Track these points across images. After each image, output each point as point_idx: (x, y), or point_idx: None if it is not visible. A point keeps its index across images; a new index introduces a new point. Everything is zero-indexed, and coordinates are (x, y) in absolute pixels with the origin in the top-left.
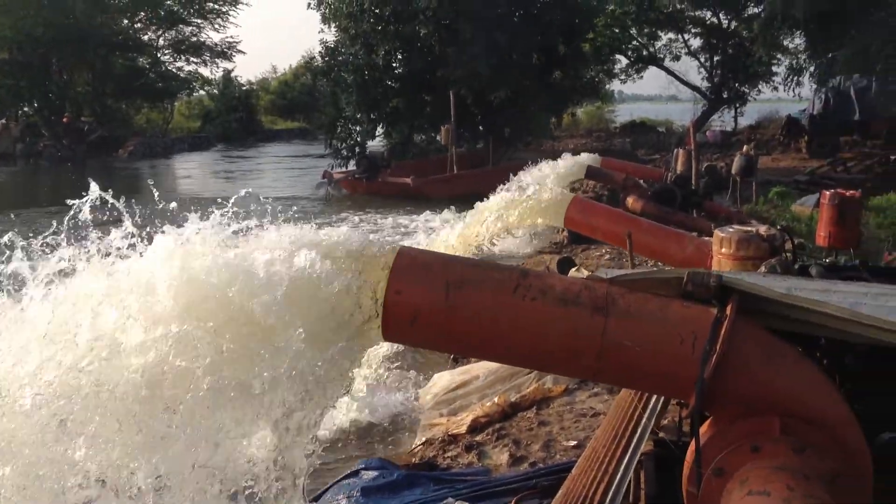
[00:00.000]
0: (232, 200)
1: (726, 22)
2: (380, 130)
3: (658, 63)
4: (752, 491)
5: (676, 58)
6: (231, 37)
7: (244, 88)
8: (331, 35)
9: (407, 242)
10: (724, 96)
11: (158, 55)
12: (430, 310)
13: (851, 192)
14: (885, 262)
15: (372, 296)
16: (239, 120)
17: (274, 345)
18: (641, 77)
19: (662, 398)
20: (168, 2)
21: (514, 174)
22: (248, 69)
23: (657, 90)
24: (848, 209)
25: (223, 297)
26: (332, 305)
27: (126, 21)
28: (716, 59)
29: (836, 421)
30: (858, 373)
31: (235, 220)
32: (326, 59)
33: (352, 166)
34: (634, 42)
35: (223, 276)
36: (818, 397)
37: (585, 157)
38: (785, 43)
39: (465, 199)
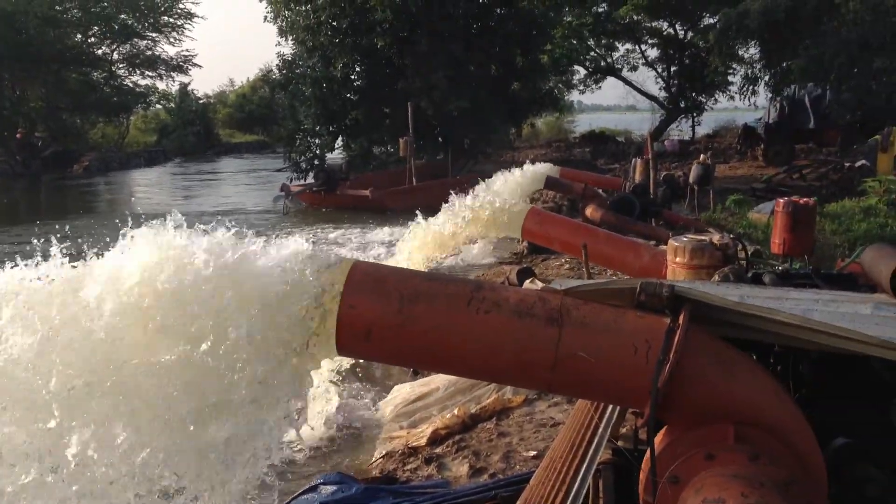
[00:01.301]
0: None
1: (682, 32)
2: (339, 143)
3: (616, 73)
4: (707, 499)
5: (634, 68)
6: (187, 50)
7: (201, 102)
8: (288, 48)
9: (365, 256)
10: (682, 106)
11: (113, 69)
12: (384, 324)
13: (805, 199)
14: (837, 269)
15: (326, 310)
16: (196, 133)
17: (223, 360)
18: (600, 87)
19: (619, 408)
20: (122, 16)
21: (474, 185)
22: (205, 83)
23: (616, 100)
24: (802, 216)
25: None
26: (285, 320)
27: (79, 36)
28: (673, 69)
29: (790, 428)
30: (812, 379)
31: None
32: (284, 71)
33: (311, 179)
34: (592, 53)
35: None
36: (771, 405)
37: (544, 168)
38: (740, 53)
39: (425, 211)
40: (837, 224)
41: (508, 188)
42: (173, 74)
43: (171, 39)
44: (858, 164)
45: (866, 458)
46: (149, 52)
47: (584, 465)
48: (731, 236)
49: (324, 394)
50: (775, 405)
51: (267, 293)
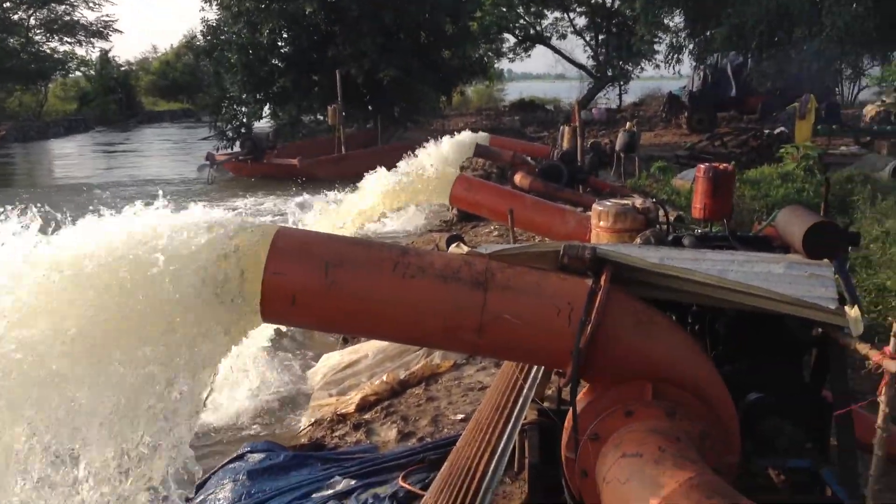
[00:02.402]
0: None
1: (610, 1)
2: (267, 111)
3: (545, 42)
4: (626, 453)
5: (563, 36)
6: (107, 15)
7: (123, 69)
8: (213, 13)
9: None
10: (609, 74)
11: (30, 35)
12: (310, 290)
13: (724, 165)
14: (754, 232)
15: (250, 277)
16: (118, 101)
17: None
18: (529, 56)
19: (543, 369)
20: None
21: (404, 153)
22: (126, 49)
23: (545, 69)
24: (721, 182)
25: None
26: (208, 287)
27: None
28: (600, 37)
29: (705, 384)
30: (727, 337)
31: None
32: (209, 38)
33: (238, 148)
34: (521, 21)
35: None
36: (688, 362)
37: (474, 136)
38: (666, 21)
39: (354, 180)
40: (757, 189)
41: (438, 156)
42: (93, 40)
43: (91, 4)
44: (777, 131)
45: (778, 413)
46: (67, 18)
47: (510, 426)
48: (653, 201)
49: (251, 363)
50: (692, 363)
51: (187, 263)
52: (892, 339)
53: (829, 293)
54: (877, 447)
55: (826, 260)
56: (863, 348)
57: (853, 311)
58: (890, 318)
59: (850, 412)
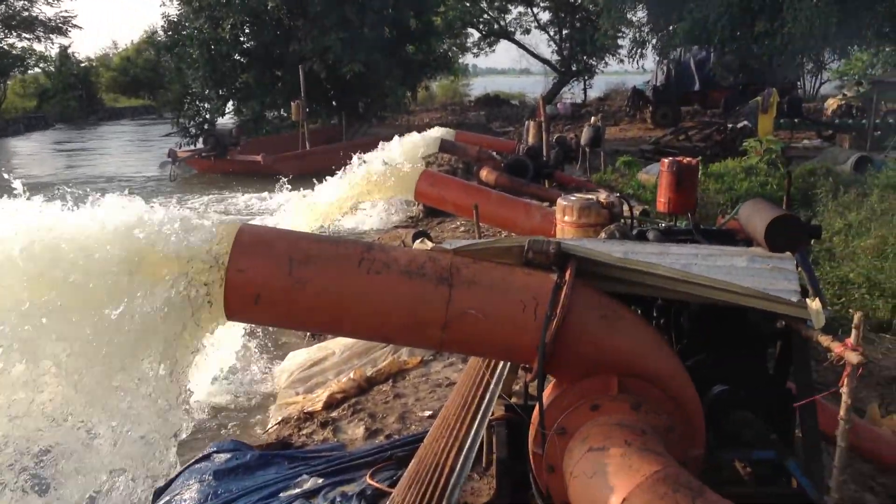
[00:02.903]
0: None
1: None
2: (230, 107)
3: (509, 37)
4: (593, 447)
5: (527, 31)
6: (66, 11)
7: (83, 65)
8: (173, 8)
9: (255, 221)
10: (574, 69)
11: None
12: (274, 287)
13: (688, 159)
14: (717, 225)
15: (214, 276)
16: (78, 98)
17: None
18: (494, 51)
19: (510, 364)
20: None
21: (369, 149)
22: (86, 45)
23: (510, 64)
24: (685, 176)
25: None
26: (169, 288)
27: None
28: (564, 32)
29: (670, 377)
30: (692, 331)
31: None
32: (170, 33)
33: (201, 144)
34: (485, 15)
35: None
36: (653, 356)
37: (439, 131)
38: (629, 16)
39: (318, 176)
40: (721, 183)
41: (404, 152)
42: (52, 36)
43: (49, 0)
44: (741, 124)
45: (743, 406)
46: (25, 13)
47: (477, 422)
48: (618, 195)
49: (217, 362)
50: (656, 356)
51: (145, 260)
52: (853, 331)
53: (791, 286)
54: (840, 438)
55: (788, 253)
56: (825, 340)
57: (815, 304)
58: (852, 310)
59: (814, 403)
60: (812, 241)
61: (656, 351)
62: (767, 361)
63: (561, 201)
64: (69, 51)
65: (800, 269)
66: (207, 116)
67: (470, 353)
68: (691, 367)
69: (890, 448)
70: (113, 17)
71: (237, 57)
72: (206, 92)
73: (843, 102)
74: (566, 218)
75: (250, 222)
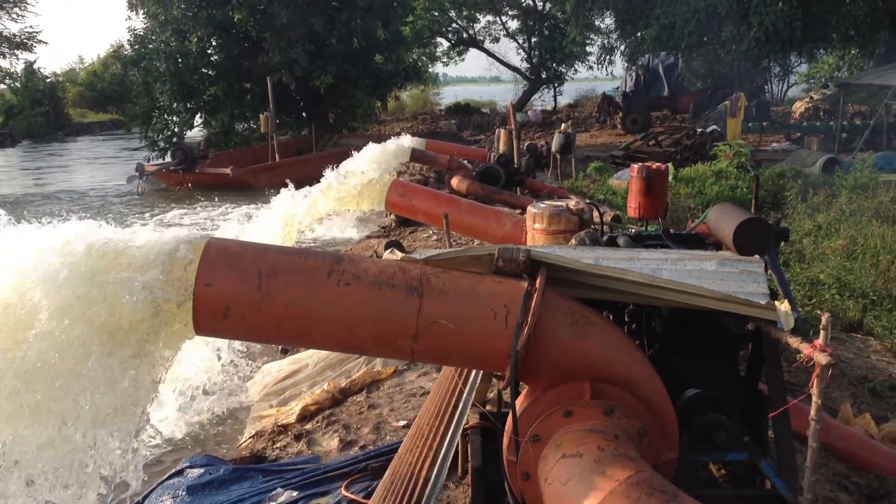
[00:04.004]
0: None
1: (541, 3)
2: (199, 120)
3: (478, 45)
4: (566, 454)
5: (496, 40)
6: (31, 26)
7: (49, 81)
8: (139, 22)
9: (224, 235)
10: (543, 76)
11: None
12: (243, 301)
13: (658, 164)
14: (687, 230)
15: (180, 290)
16: (45, 114)
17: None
18: (463, 59)
19: (482, 372)
20: None
21: (339, 160)
22: (52, 60)
23: (480, 72)
24: (655, 181)
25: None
26: (137, 304)
27: None
28: (533, 40)
29: (642, 382)
30: (663, 335)
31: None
32: (136, 47)
33: (170, 158)
34: (454, 24)
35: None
36: (625, 361)
37: (410, 141)
38: (596, 23)
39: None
40: (691, 187)
41: (374, 162)
42: (17, 52)
43: (13, 15)
44: (710, 129)
45: (715, 408)
46: None
47: (451, 431)
48: (588, 201)
49: (190, 376)
50: (628, 361)
51: (113, 278)
52: (821, 332)
53: (760, 288)
54: (811, 439)
55: (757, 256)
56: (794, 342)
57: (783, 306)
58: (820, 311)
59: (786, 404)
60: (781, 244)
61: (628, 356)
62: (739, 364)
63: (531, 208)
64: (35, 66)
65: (770, 271)
66: (176, 130)
67: (442, 362)
68: (663, 371)
69: (863, 447)
70: (79, 32)
71: (205, 70)
72: (175, 105)
73: (810, 105)
74: (536, 225)
75: (217, 235)
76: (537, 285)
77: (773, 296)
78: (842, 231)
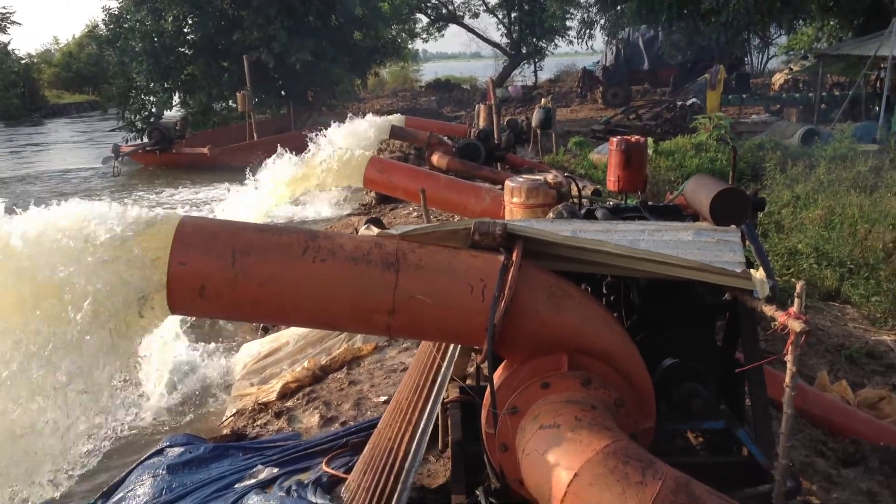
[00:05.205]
0: None
1: None
2: (176, 100)
3: (458, 21)
4: (544, 425)
5: (475, 15)
6: (4, 7)
7: (24, 62)
8: (114, 1)
9: (201, 214)
10: (524, 51)
11: None
12: (218, 279)
13: (637, 137)
14: (665, 202)
15: (155, 269)
16: (20, 96)
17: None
18: (443, 35)
19: (461, 346)
20: None
21: (314, 137)
22: (26, 41)
23: (460, 48)
24: (634, 154)
25: None
26: (110, 283)
27: None
28: (513, 15)
29: (619, 353)
30: (641, 306)
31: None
32: (111, 26)
33: (147, 139)
34: (433, 0)
35: None
36: (601, 332)
37: (389, 118)
38: None
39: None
40: (671, 160)
41: (353, 139)
42: None
43: None
44: (690, 102)
45: (692, 377)
46: None
47: (430, 405)
48: (566, 175)
49: (169, 356)
50: (605, 333)
51: (85, 259)
52: (795, 300)
53: (736, 258)
54: (786, 405)
55: (733, 226)
56: (769, 310)
57: (759, 274)
58: (793, 280)
59: (763, 373)
60: (759, 214)
61: (605, 328)
62: (716, 333)
63: (508, 182)
64: (9, 48)
65: (748, 242)
66: (154, 110)
67: (419, 337)
68: (641, 342)
69: (840, 413)
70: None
71: (181, 49)
72: (151, 85)
73: (789, 77)
74: (514, 199)
75: (192, 214)
76: (514, 259)
77: (750, 265)
78: (820, 201)
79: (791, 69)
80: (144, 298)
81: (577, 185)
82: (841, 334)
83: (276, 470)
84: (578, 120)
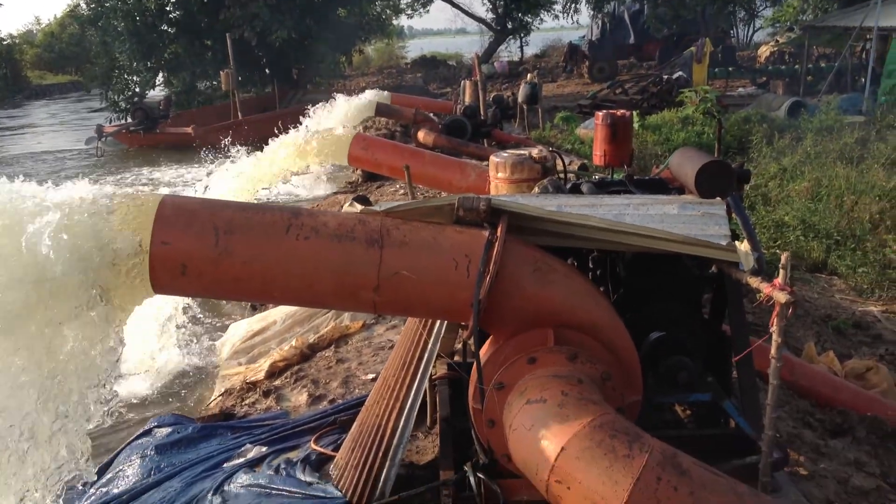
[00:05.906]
0: None
1: None
2: (160, 79)
3: None
4: (531, 400)
5: None
6: None
7: (5, 43)
8: None
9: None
10: (509, 27)
11: None
12: (201, 258)
13: (622, 111)
14: (651, 175)
15: (137, 249)
16: (2, 77)
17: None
18: (428, 11)
19: (447, 323)
20: None
21: (302, 116)
22: (7, 22)
23: (446, 24)
24: (619, 128)
25: None
26: (90, 265)
27: None
28: None
29: (605, 327)
30: (627, 280)
31: None
32: (93, 5)
33: (130, 119)
34: None
35: None
36: (587, 307)
37: (374, 95)
38: None
39: (252, 146)
40: (658, 134)
41: (338, 117)
42: None
43: None
44: (676, 75)
45: (679, 350)
46: None
47: (416, 381)
48: (551, 149)
49: (157, 337)
50: (591, 307)
51: (65, 238)
52: (780, 271)
53: (721, 231)
54: (772, 377)
55: (719, 199)
56: (754, 281)
57: (744, 246)
58: (778, 251)
59: (749, 345)
60: (745, 186)
61: (590, 301)
62: (703, 307)
63: (493, 158)
64: None
65: (734, 214)
66: (137, 90)
67: (405, 314)
68: (628, 316)
69: (827, 385)
70: None
71: (164, 27)
72: (134, 65)
73: (775, 49)
74: (499, 174)
75: (172, 193)
76: (499, 234)
77: (736, 238)
78: (806, 173)
79: (777, 41)
80: (125, 278)
81: (562, 160)
82: (828, 305)
83: (264, 449)
84: (565, 95)
